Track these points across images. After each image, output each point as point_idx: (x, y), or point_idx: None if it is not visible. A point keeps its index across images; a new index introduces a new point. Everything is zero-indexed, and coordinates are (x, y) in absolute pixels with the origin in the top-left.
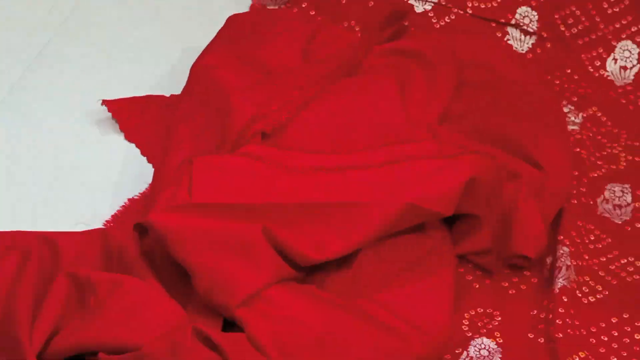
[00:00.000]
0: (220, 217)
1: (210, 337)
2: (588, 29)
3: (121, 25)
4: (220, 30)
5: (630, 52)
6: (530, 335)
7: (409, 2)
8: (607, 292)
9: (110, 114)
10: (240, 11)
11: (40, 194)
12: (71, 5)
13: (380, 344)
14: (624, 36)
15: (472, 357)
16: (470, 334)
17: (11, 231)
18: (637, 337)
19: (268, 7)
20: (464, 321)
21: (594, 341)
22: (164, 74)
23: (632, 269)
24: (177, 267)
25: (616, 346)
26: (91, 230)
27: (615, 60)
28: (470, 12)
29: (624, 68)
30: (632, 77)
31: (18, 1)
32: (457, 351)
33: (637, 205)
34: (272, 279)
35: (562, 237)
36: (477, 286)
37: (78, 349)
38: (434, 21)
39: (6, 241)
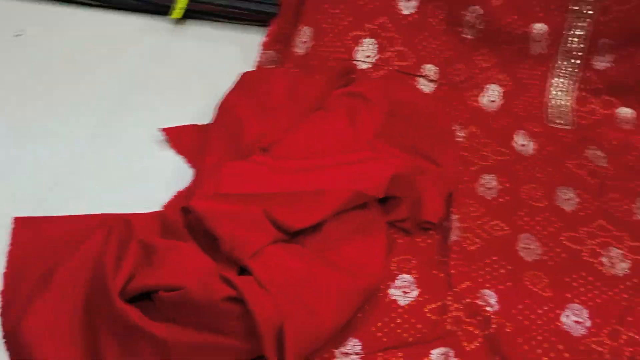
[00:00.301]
0: (236, 202)
1: (230, 279)
2: (469, 78)
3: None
4: (236, 82)
5: (494, 91)
6: (435, 272)
7: (354, 62)
8: (482, 244)
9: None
10: (249, 69)
11: (127, 189)
12: None
13: (340, 280)
14: (490, 81)
15: (397, 286)
16: (396, 272)
17: (101, 214)
18: (502, 271)
19: (266, 67)
20: (392, 264)
21: (474, 274)
22: (201, 111)
23: (498, 228)
24: (209, 235)
25: (489, 277)
26: (154, 212)
27: (485, 96)
28: (395, 68)
29: (492, 101)
30: (497, 107)
31: None
32: (388, 282)
33: (500, 187)
34: (270, 241)
35: (453, 209)
36: (401, 241)
37: (145, 289)
38: (373, 74)
39: (97, 221)
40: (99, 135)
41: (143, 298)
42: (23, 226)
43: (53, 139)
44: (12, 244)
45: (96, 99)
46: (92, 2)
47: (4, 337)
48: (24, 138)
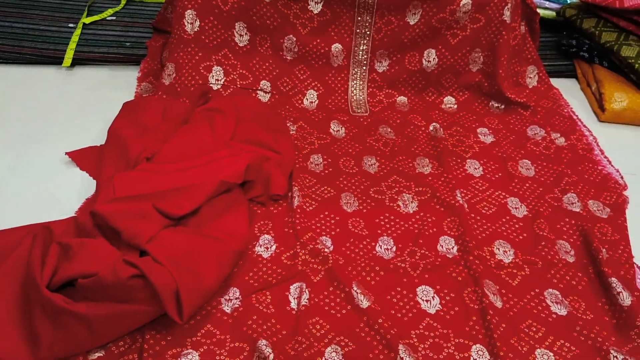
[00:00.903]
0: (130, 202)
1: (132, 261)
2: (293, 87)
3: (72, 120)
4: (120, 110)
5: (312, 95)
6: (286, 229)
7: (209, 85)
8: (317, 204)
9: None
10: (130, 99)
11: (45, 202)
12: None
13: (216, 247)
14: (308, 88)
15: (260, 245)
16: (258, 234)
17: (26, 225)
18: (333, 222)
19: (143, 96)
20: (254, 229)
21: (314, 227)
22: (96, 135)
23: (326, 191)
24: (112, 230)
25: (324, 227)
26: (69, 217)
27: (307, 99)
28: (239, 86)
29: (311, 102)
30: (315, 106)
31: None
32: (253, 242)
33: (324, 162)
34: (160, 228)
35: (294, 182)
36: (259, 212)
37: (67, 279)
38: (223, 93)
39: (24, 231)
40: (17, 163)
41: (67, 286)
42: None
43: None
44: None
45: (11, 135)
46: None
47: None
48: None
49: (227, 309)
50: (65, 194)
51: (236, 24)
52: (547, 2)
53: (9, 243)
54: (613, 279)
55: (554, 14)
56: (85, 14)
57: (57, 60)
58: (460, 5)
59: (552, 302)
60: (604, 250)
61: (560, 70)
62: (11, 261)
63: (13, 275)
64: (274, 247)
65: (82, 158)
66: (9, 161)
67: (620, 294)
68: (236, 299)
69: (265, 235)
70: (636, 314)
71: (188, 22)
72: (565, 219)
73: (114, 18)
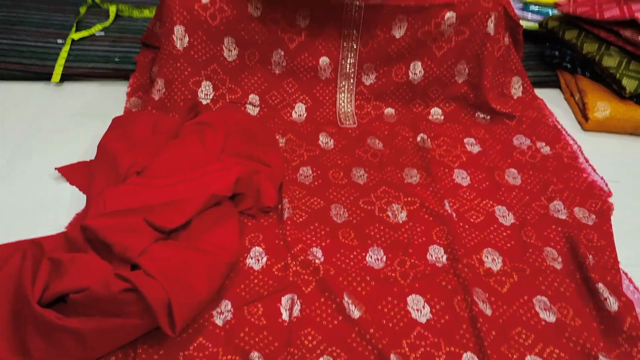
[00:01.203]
0: (121, 216)
1: (124, 275)
2: (282, 100)
3: (62, 135)
4: (110, 125)
5: (300, 107)
6: (277, 241)
7: (198, 100)
8: (307, 216)
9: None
10: (119, 114)
11: (35, 218)
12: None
13: (208, 260)
14: (297, 101)
15: (251, 257)
16: (249, 246)
17: (17, 241)
18: (323, 233)
19: (133, 110)
20: (245, 241)
21: (304, 238)
22: (86, 150)
23: (316, 203)
24: (104, 245)
25: (314, 239)
26: (59, 233)
27: (295, 112)
28: (228, 100)
29: (300, 115)
30: (304, 119)
31: None
32: (245, 255)
33: (314, 174)
34: (151, 241)
35: (283, 194)
36: (250, 224)
37: (59, 294)
38: (213, 107)
39: (14, 246)
40: (6, 178)
41: (59, 301)
42: None
43: None
44: None
45: (1, 149)
46: None
47: None
48: None
49: (219, 321)
50: (55, 209)
51: (225, 39)
52: (530, 14)
53: None
54: (600, 284)
55: (536, 25)
56: (73, 29)
57: (45, 76)
58: (445, 18)
59: (541, 309)
60: (590, 256)
61: (544, 81)
62: (1, 278)
63: (3, 292)
64: (265, 259)
65: (72, 173)
66: None
67: (607, 299)
68: (228, 311)
69: (256, 247)
70: (623, 319)
71: (177, 38)
72: (552, 226)
73: (103, 34)
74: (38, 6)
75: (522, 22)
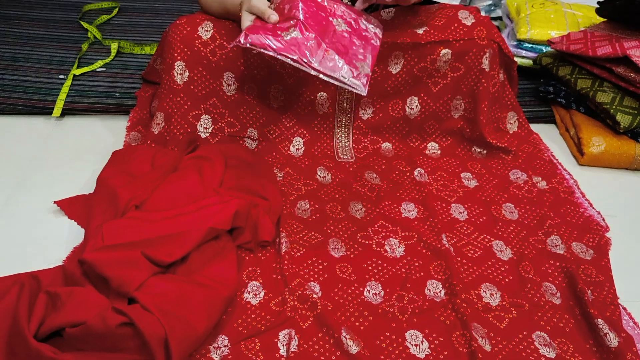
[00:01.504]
0: (119, 250)
1: (121, 309)
2: (280, 134)
3: (62, 169)
4: (110, 158)
5: (298, 141)
6: (274, 276)
7: (197, 134)
8: (304, 250)
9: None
10: (119, 148)
11: (33, 251)
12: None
13: (205, 294)
14: (295, 135)
15: (249, 291)
16: (247, 280)
17: (14, 274)
18: (320, 267)
19: (132, 144)
20: (243, 275)
21: (302, 273)
22: (85, 184)
23: (314, 237)
24: (101, 279)
25: (312, 273)
26: (57, 266)
27: (293, 146)
28: (227, 134)
29: (298, 149)
30: (302, 153)
31: None
32: (242, 289)
33: (311, 208)
34: (149, 275)
35: (281, 229)
36: (247, 258)
37: (55, 328)
38: (211, 140)
39: (12, 279)
40: (5, 211)
41: (55, 336)
42: None
43: None
44: None
45: (3, 183)
46: None
47: None
48: None
49: (215, 357)
50: (53, 242)
51: (224, 74)
52: (524, 51)
53: None
54: (599, 320)
55: (530, 62)
56: (75, 65)
57: (46, 111)
58: (441, 54)
59: (541, 345)
60: (589, 291)
61: (539, 116)
62: None
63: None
64: (262, 293)
65: (70, 206)
66: None
67: (607, 335)
68: (225, 346)
69: (254, 282)
70: (624, 355)
71: (177, 73)
72: (550, 261)
73: (104, 69)
74: (42, 43)
75: (516, 59)
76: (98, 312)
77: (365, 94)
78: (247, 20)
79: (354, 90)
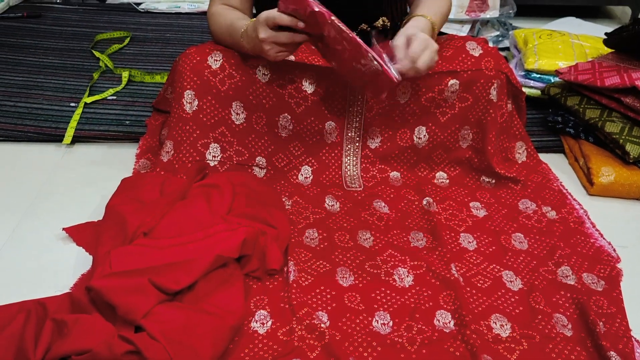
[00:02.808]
0: (126, 277)
1: (127, 337)
2: (288, 163)
3: (71, 195)
4: (119, 186)
5: (307, 170)
6: (282, 305)
7: (206, 162)
8: (312, 279)
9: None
10: (128, 175)
11: (41, 277)
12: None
13: (212, 323)
14: (303, 164)
15: (256, 320)
16: (254, 309)
17: (21, 301)
18: (329, 297)
19: (142, 172)
20: (250, 304)
21: (310, 302)
22: (94, 211)
23: (322, 266)
24: (108, 306)
25: (320, 302)
26: (64, 293)
27: (301, 175)
28: (235, 162)
29: (306, 178)
30: (310, 182)
31: None
32: (249, 318)
33: (319, 237)
34: (156, 303)
35: (289, 257)
36: (255, 286)
37: (61, 356)
38: (220, 169)
39: (19, 307)
40: (13, 237)
41: None
42: None
43: None
44: None
45: (8, 209)
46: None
47: None
48: None
49: None
50: (61, 269)
51: (233, 103)
52: (532, 82)
53: (2, 320)
54: (612, 352)
55: (539, 92)
56: (86, 93)
57: (57, 138)
58: (448, 85)
59: None
60: (601, 323)
61: (548, 146)
62: (3, 339)
63: (4, 353)
64: (269, 322)
65: (78, 233)
66: (5, 235)
67: None
68: None
69: (261, 311)
70: None
71: (187, 102)
72: (560, 292)
73: (115, 97)
74: (55, 72)
75: (524, 89)
76: (104, 339)
77: (399, 80)
78: (262, 32)
79: (389, 73)
